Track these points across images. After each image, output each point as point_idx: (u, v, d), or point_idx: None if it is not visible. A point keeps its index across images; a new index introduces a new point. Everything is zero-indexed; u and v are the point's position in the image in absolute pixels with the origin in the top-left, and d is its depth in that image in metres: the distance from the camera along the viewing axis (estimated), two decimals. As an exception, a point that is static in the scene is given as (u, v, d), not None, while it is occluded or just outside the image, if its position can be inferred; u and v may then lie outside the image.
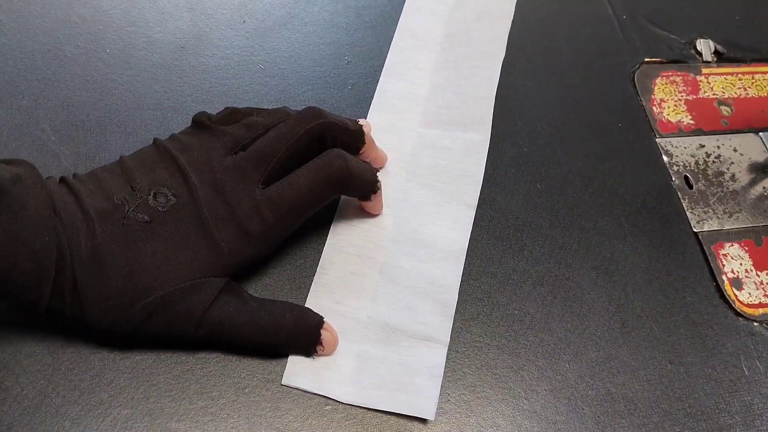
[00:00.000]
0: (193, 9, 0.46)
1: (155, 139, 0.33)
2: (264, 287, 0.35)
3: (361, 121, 0.37)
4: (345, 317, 0.34)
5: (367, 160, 0.37)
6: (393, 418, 0.32)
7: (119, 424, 0.30)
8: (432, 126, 0.42)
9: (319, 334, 0.32)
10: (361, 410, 0.32)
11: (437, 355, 0.33)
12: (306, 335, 0.32)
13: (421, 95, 0.44)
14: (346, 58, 0.46)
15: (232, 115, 0.34)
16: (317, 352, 0.32)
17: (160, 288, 0.29)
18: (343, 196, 0.38)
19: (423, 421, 0.32)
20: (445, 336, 0.34)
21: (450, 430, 0.32)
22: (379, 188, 0.36)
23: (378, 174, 0.36)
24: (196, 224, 0.31)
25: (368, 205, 0.37)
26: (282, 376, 0.32)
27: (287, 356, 0.33)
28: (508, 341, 0.35)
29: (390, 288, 0.35)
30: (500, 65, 0.45)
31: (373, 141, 0.38)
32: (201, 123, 0.33)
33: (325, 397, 0.32)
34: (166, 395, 0.31)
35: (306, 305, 0.34)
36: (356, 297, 0.35)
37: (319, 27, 0.47)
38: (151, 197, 0.30)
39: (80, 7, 0.45)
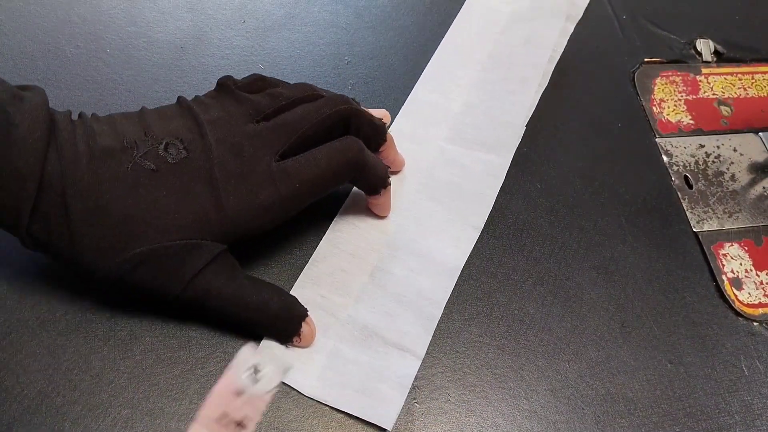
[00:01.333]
0: (193, 9, 0.46)
1: (179, 97, 0.33)
2: (255, 269, 0.35)
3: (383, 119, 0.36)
4: (326, 312, 0.34)
5: (385, 160, 0.37)
6: (393, 418, 0.32)
7: (119, 424, 0.30)
8: (456, 143, 0.42)
9: (300, 326, 0.32)
10: (361, 410, 0.32)
11: (409, 367, 0.33)
12: (288, 324, 0.32)
13: (452, 110, 0.44)
14: (346, 58, 0.46)
15: (257, 82, 0.34)
16: (293, 342, 0.33)
17: (155, 239, 0.28)
18: (349, 198, 0.38)
19: (423, 419, 0.32)
20: (421, 349, 0.34)
21: (450, 429, 0.32)
22: (389, 184, 0.36)
23: (391, 178, 0.36)
24: (205, 182, 0.30)
25: (376, 201, 0.36)
26: None
27: (261, 337, 0.33)
28: (508, 341, 0.35)
29: (376, 291, 0.35)
30: (538, 94, 0.44)
31: (394, 143, 0.38)
32: (225, 87, 0.33)
33: (288, 386, 0.32)
34: (166, 395, 0.31)
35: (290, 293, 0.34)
36: (341, 294, 0.35)
37: (319, 27, 0.47)
38: (162, 147, 0.29)
39: (80, 7, 0.45)
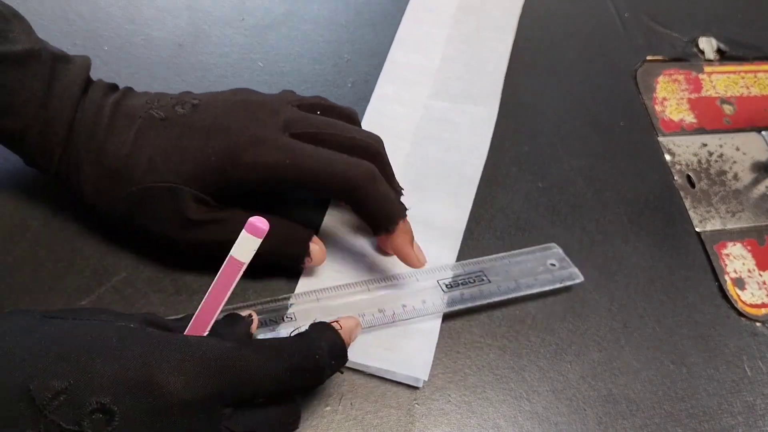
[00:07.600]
0: (192, 6, 0.46)
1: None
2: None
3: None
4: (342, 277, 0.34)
5: (393, 251, 0.34)
6: (393, 417, 0.31)
7: (117, 426, 0.30)
8: (440, 98, 0.42)
9: (307, 247, 0.33)
10: (361, 411, 0.31)
11: (431, 326, 0.34)
12: (293, 247, 0.33)
13: (432, 67, 0.44)
14: (346, 55, 0.45)
15: (315, 97, 0.35)
16: (306, 264, 0.33)
17: (147, 181, 0.30)
18: None
19: (423, 420, 0.32)
20: (439, 309, 0.34)
21: (451, 430, 0.32)
22: (393, 230, 0.32)
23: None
24: (204, 134, 0.31)
25: (384, 243, 0.35)
26: None
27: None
28: (510, 341, 0.35)
29: (385, 264, 0.35)
30: (512, 38, 0.44)
31: (410, 237, 0.33)
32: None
33: None
34: (165, 396, 0.31)
35: (301, 278, 0.34)
36: (353, 270, 0.35)
37: (319, 24, 0.47)
38: (177, 103, 0.32)
39: (78, 5, 0.44)
